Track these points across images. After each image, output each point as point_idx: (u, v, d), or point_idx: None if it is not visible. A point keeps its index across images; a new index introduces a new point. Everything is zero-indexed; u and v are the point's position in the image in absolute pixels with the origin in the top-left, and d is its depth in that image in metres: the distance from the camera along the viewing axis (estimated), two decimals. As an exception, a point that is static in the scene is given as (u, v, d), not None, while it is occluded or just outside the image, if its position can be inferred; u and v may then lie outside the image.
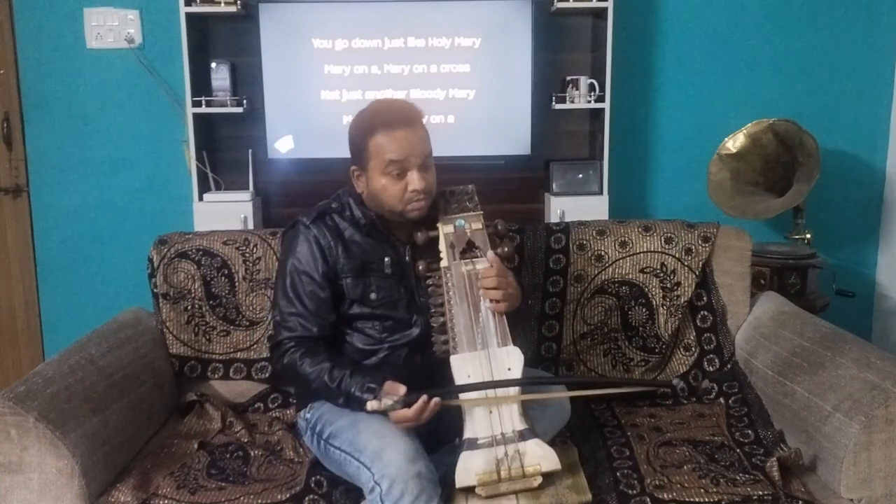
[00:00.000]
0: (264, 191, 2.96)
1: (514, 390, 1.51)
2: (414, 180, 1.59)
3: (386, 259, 1.67)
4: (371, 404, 1.46)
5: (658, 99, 3.04)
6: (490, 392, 1.50)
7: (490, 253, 1.62)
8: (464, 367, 1.53)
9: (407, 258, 1.69)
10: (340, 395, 1.54)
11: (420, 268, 1.64)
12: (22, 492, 1.52)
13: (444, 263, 1.63)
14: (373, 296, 1.66)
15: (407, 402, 1.45)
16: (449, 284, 1.61)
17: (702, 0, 2.97)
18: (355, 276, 1.66)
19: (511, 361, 1.53)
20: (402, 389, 1.48)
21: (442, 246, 1.65)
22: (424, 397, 1.46)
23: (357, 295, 1.67)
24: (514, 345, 1.56)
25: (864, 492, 1.57)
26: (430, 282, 1.63)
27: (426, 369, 1.66)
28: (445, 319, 1.58)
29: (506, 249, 1.67)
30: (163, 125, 2.93)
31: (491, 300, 1.58)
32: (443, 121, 2.80)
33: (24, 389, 1.56)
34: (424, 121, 1.65)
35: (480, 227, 1.67)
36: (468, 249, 1.65)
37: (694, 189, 2.95)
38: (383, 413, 1.48)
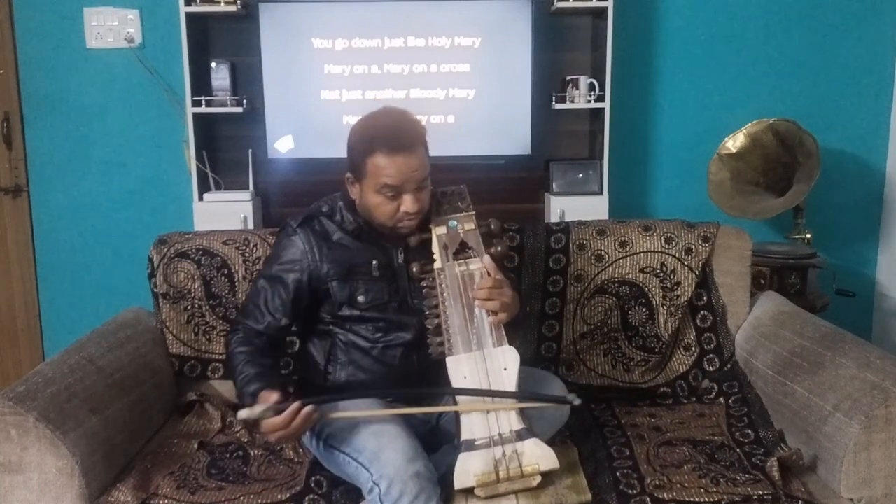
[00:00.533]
0: (264, 191, 2.96)
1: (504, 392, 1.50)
2: (407, 203, 1.58)
3: (374, 262, 1.67)
4: (241, 413, 1.42)
5: (658, 99, 3.04)
6: (473, 400, 1.50)
7: (486, 258, 1.61)
8: (459, 368, 1.53)
9: (399, 260, 1.69)
10: (238, 389, 1.58)
11: (414, 270, 1.64)
12: (22, 492, 1.52)
13: (437, 265, 1.63)
14: (360, 298, 1.67)
15: (277, 409, 1.41)
16: (443, 286, 1.60)
17: (702, 0, 2.97)
18: (341, 279, 1.66)
19: (507, 361, 1.53)
20: (274, 397, 1.43)
21: (435, 247, 1.65)
22: (296, 404, 1.42)
23: (345, 297, 1.67)
24: (510, 345, 1.56)
25: (864, 492, 1.57)
26: (424, 283, 1.63)
27: (422, 370, 1.66)
28: (440, 321, 1.58)
29: (499, 249, 1.66)
30: (163, 125, 2.93)
31: (488, 311, 1.57)
32: (443, 121, 2.80)
33: (24, 389, 1.56)
34: (426, 121, 1.64)
35: (473, 227, 1.67)
36: (461, 250, 1.65)
37: (694, 189, 2.95)
38: (255, 422, 1.43)
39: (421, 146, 1.60)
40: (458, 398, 1.52)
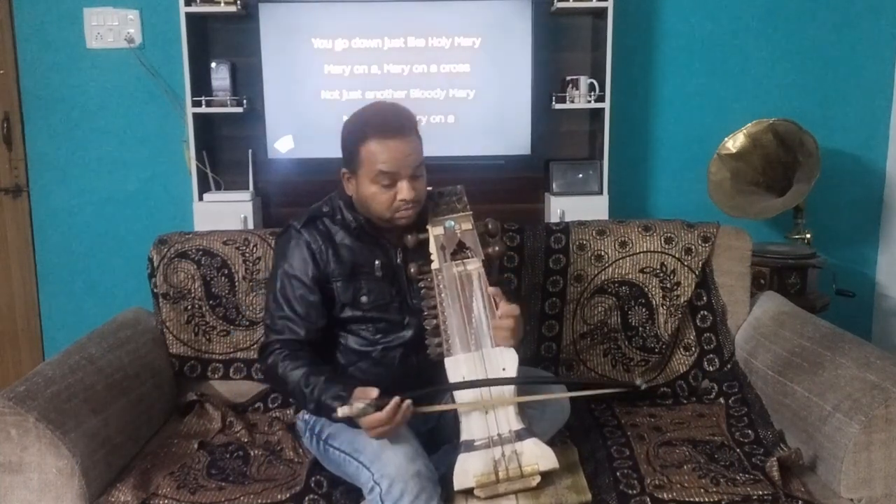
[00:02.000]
0: (264, 191, 2.96)
1: (505, 389, 1.51)
2: (403, 190, 1.57)
3: (376, 262, 1.67)
4: (341, 410, 1.42)
5: (658, 99, 3.04)
6: (483, 394, 1.50)
7: (493, 289, 1.59)
8: (458, 369, 1.52)
9: (398, 260, 1.69)
10: (312, 401, 1.52)
11: (412, 270, 1.63)
12: (22, 492, 1.52)
13: (434, 265, 1.63)
14: (364, 299, 1.66)
15: (378, 406, 1.41)
16: (441, 286, 1.60)
17: (702, 0, 2.97)
18: (346, 279, 1.66)
19: (505, 361, 1.53)
20: (374, 393, 1.44)
21: (432, 248, 1.64)
22: (396, 399, 1.42)
23: (348, 298, 1.66)
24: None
25: (864, 492, 1.57)
26: (422, 284, 1.63)
27: (421, 371, 1.66)
28: (438, 321, 1.57)
29: (497, 248, 1.66)
30: (163, 125, 2.93)
31: (503, 337, 1.56)
32: (443, 121, 2.80)
33: (24, 389, 1.56)
34: (421, 123, 1.64)
35: (470, 227, 1.67)
36: (459, 250, 1.64)
37: (694, 189, 2.95)
38: (354, 419, 1.43)
39: (413, 132, 1.59)
40: (459, 399, 1.51)
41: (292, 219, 1.71)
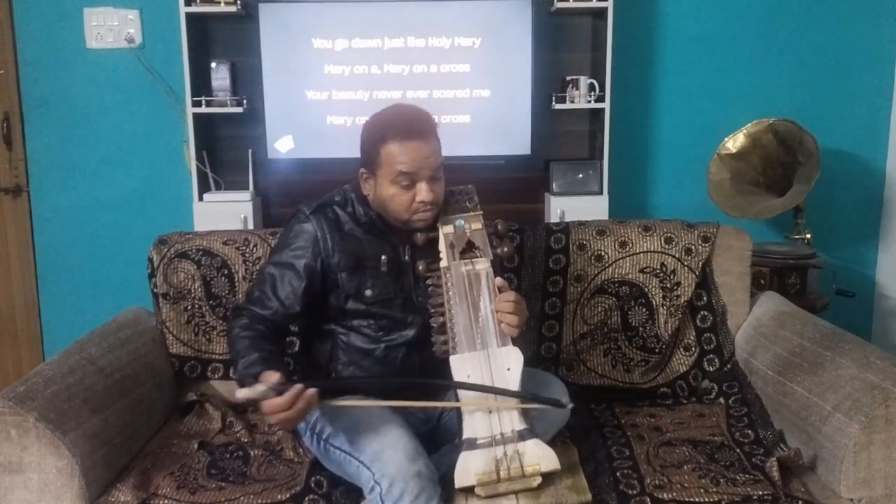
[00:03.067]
0: (264, 191, 2.96)
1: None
2: (423, 192, 1.58)
3: (382, 257, 1.67)
4: (240, 392, 1.39)
5: (658, 99, 3.04)
6: (480, 396, 1.51)
7: (499, 280, 1.60)
8: (463, 368, 1.52)
9: (406, 257, 1.69)
10: (237, 372, 1.53)
11: (420, 268, 1.64)
12: (22, 492, 1.52)
13: (443, 264, 1.63)
14: (368, 292, 1.66)
15: (279, 390, 1.38)
16: (448, 285, 1.60)
17: (702, 0, 2.97)
18: (350, 271, 1.66)
19: (510, 361, 1.53)
20: (275, 377, 1.41)
21: (442, 246, 1.65)
22: (298, 386, 1.40)
23: (353, 290, 1.67)
24: (514, 345, 1.56)
25: (864, 492, 1.57)
26: (429, 282, 1.63)
27: (425, 370, 1.66)
28: (445, 320, 1.58)
29: (505, 249, 1.67)
30: (163, 125, 2.93)
31: (508, 324, 1.56)
32: (443, 121, 2.80)
33: (24, 389, 1.56)
34: (439, 135, 1.65)
35: (480, 227, 1.67)
36: (468, 250, 1.65)
37: (694, 189, 2.95)
38: (255, 401, 1.40)
39: (433, 135, 1.61)
40: (462, 397, 1.51)
41: (304, 203, 1.71)
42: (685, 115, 3.04)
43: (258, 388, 1.38)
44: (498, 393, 1.49)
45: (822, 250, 2.85)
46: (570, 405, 1.55)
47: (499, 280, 1.61)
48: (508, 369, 1.52)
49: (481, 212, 1.70)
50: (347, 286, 1.66)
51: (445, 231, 1.66)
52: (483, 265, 1.63)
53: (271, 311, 1.64)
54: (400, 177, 1.56)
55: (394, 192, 1.59)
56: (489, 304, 1.59)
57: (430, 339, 1.59)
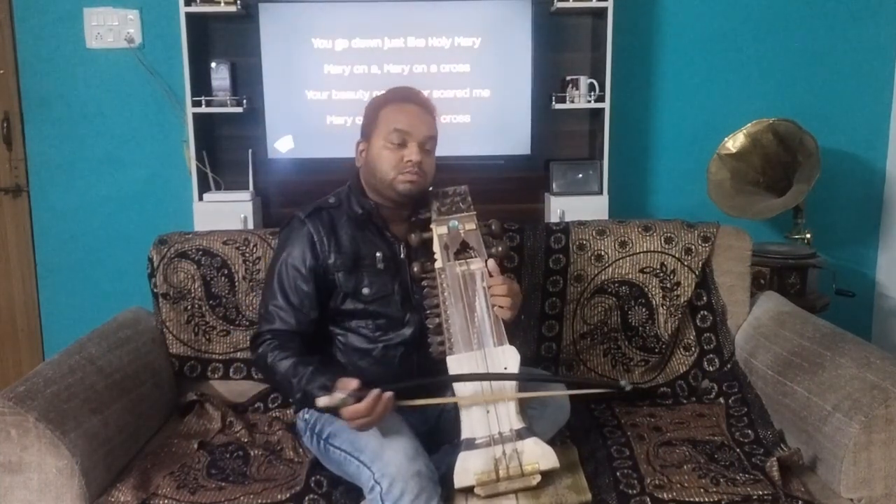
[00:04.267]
0: (264, 191, 2.95)
1: (505, 385, 1.51)
2: (412, 152, 1.63)
3: (378, 254, 1.68)
4: (321, 400, 1.41)
5: (658, 99, 3.04)
6: (484, 390, 1.50)
7: (491, 262, 1.62)
8: (460, 368, 1.53)
9: (402, 255, 1.69)
10: (299, 391, 1.53)
11: (415, 269, 1.64)
12: (22, 492, 1.52)
13: (438, 265, 1.63)
14: (365, 290, 1.67)
15: (358, 397, 1.40)
16: (444, 285, 1.61)
17: (702, 0, 2.97)
18: (347, 270, 1.67)
19: (507, 360, 1.53)
20: (354, 384, 1.43)
21: (436, 247, 1.65)
22: (376, 391, 1.42)
23: (350, 288, 1.67)
24: (511, 344, 1.56)
25: (864, 492, 1.57)
26: (425, 283, 1.63)
27: (423, 370, 1.66)
28: (441, 320, 1.58)
29: (500, 249, 1.67)
30: (163, 125, 2.93)
31: (500, 307, 1.57)
32: (443, 121, 2.79)
33: (24, 389, 1.56)
34: (438, 119, 1.72)
35: (474, 227, 1.67)
36: (462, 250, 1.65)
37: (694, 189, 2.95)
38: (335, 409, 1.42)
39: (431, 110, 1.70)
40: (461, 395, 1.51)
41: (298, 209, 1.72)
42: (685, 115, 3.04)
43: (337, 396, 1.39)
44: (548, 380, 1.52)
45: (822, 250, 2.85)
46: (629, 387, 1.54)
47: (491, 263, 1.61)
48: (505, 368, 1.53)
49: (475, 212, 1.70)
50: (345, 285, 1.67)
51: (439, 232, 1.66)
52: (478, 265, 1.63)
53: (294, 321, 1.64)
54: (393, 134, 1.62)
55: (384, 151, 1.64)
56: (485, 305, 1.59)
57: (427, 339, 1.59)
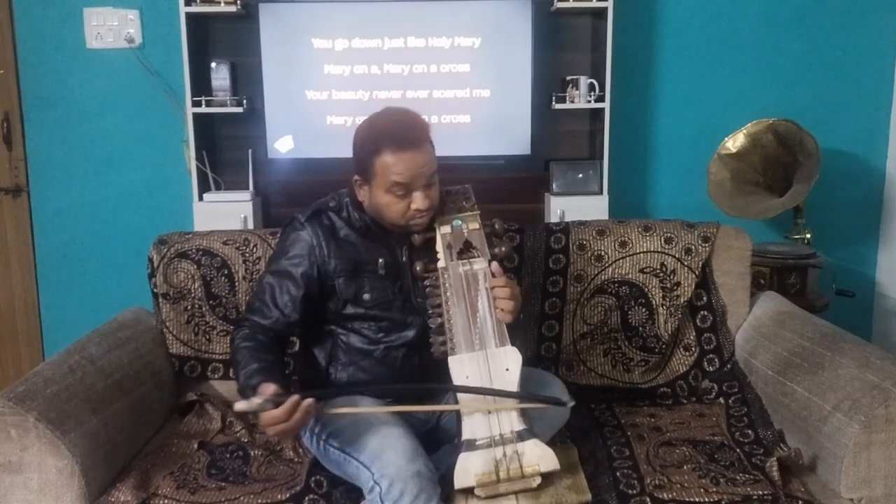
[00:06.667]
0: (264, 191, 2.96)
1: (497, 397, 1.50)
2: (418, 200, 1.57)
3: (380, 260, 1.67)
4: (238, 405, 1.39)
5: (658, 99, 3.04)
6: (479, 398, 1.50)
7: (494, 264, 1.61)
8: (462, 368, 1.52)
9: (403, 259, 1.69)
10: (238, 383, 1.54)
11: (418, 269, 1.64)
12: (22, 492, 1.52)
13: (441, 264, 1.63)
14: (366, 296, 1.66)
15: (276, 402, 1.38)
16: (447, 285, 1.60)
17: (702, 0, 2.97)
18: (348, 276, 1.66)
19: (509, 361, 1.53)
20: (271, 389, 1.41)
21: (439, 247, 1.64)
22: (295, 397, 1.40)
23: (350, 295, 1.67)
24: (513, 345, 1.56)
25: (864, 492, 1.57)
26: (427, 283, 1.63)
27: (424, 370, 1.66)
28: (443, 320, 1.58)
29: (503, 249, 1.66)
30: (163, 125, 2.93)
31: (502, 309, 1.57)
32: (442, 121, 2.80)
33: (24, 389, 1.56)
34: (432, 127, 1.63)
35: (477, 227, 1.67)
36: (465, 250, 1.64)
37: (694, 189, 2.95)
38: (254, 413, 1.41)
39: (427, 142, 1.59)
40: (460, 398, 1.51)
41: (298, 211, 1.72)
42: (685, 115, 3.04)
43: (255, 401, 1.38)
44: (496, 395, 1.49)
45: (822, 250, 2.85)
46: (571, 403, 1.54)
47: (494, 265, 1.60)
48: (507, 369, 1.52)
49: (478, 211, 1.69)
50: (345, 291, 1.66)
51: (443, 231, 1.66)
52: (481, 265, 1.62)
53: (271, 320, 1.65)
54: (395, 187, 1.56)
55: (389, 201, 1.58)
56: (487, 305, 1.58)
57: (429, 340, 1.59)
